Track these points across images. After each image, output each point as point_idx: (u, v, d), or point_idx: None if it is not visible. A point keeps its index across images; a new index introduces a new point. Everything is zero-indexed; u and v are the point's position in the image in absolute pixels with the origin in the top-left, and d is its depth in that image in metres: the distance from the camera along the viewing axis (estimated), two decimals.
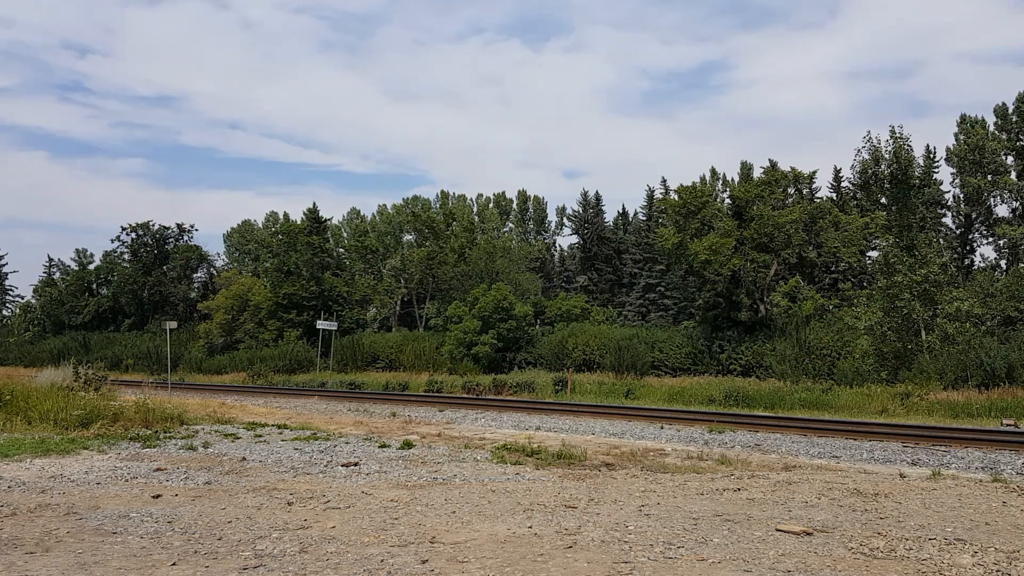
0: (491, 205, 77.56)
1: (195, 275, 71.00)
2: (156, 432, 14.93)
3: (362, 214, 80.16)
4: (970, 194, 49.00)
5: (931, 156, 50.78)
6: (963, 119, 50.64)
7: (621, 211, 69.86)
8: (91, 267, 75.57)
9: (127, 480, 9.93)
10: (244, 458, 12.13)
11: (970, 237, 50.94)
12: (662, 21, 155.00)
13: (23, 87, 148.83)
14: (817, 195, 51.15)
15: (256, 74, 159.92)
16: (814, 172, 46.82)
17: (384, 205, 74.94)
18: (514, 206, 78.13)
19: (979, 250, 51.90)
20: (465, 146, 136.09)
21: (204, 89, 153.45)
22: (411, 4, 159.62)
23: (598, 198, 66.92)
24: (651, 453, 13.98)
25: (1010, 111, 48.69)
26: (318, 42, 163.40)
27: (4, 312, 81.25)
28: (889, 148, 43.37)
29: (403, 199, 72.40)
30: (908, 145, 42.97)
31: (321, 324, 39.57)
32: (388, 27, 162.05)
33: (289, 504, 8.19)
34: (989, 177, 48.01)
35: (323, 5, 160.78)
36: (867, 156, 44.89)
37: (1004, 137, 48.74)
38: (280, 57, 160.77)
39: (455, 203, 74.18)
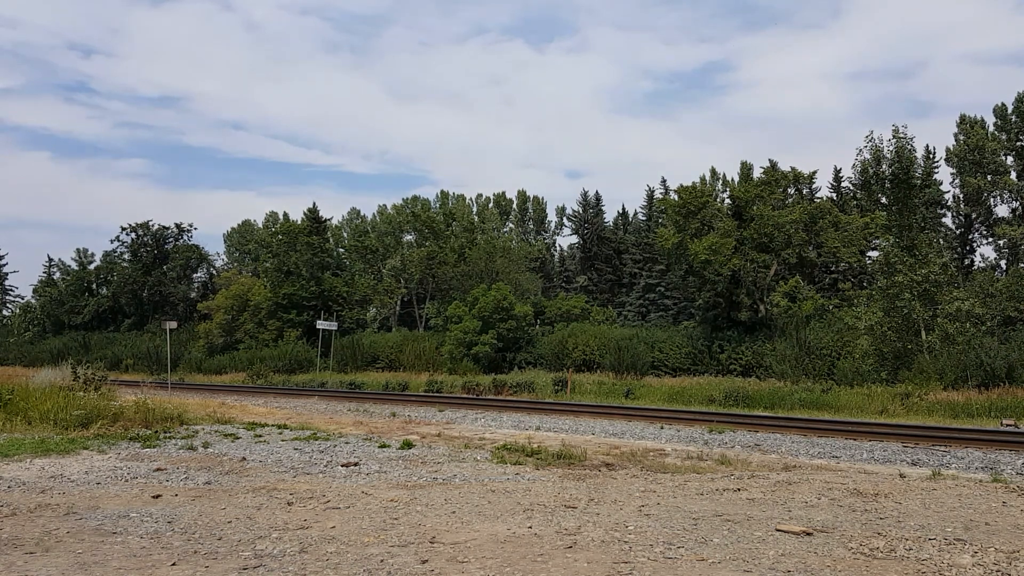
0: (491, 205, 77.51)
1: (195, 275, 70.99)
2: (156, 432, 14.92)
3: (362, 214, 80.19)
4: (970, 194, 48.99)
5: (931, 156, 50.80)
6: (963, 119, 50.63)
7: (621, 211, 69.92)
8: (91, 267, 75.53)
9: (127, 480, 9.93)
10: (244, 458, 12.13)
11: (970, 237, 50.92)
12: (665, 22, 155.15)
13: (27, 87, 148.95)
14: (817, 195, 51.16)
15: (260, 75, 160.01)
16: (814, 172, 46.84)
17: (384, 205, 74.96)
18: (514, 206, 78.10)
19: (979, 250, 51.93)
20: (468, 146, 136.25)
21: (208, 90, 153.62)
22: (416, 5, 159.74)
23: (598, 198, 66.99)
24: (651, 453, 13.97)
25: (1009, 111, 48.70)
26: (323, 43, 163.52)
27: (4, 312, 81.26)
28: (891, 148, 43.36)
29: (403, 199, 72.44)
30: (911, 145, 42.95)
31: (321, 324, 39.57)
32: (393, 28, 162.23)
33: (289, 504, 8.19)
34: (989, 177, 48.00)
35: (328, 6, 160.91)
36: (868, 156, 44.90)
37: (1004, 137, 48.75)
38: (284, 58, 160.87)
39: (455, 203, 74.14)
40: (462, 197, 76.52)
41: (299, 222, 59.71)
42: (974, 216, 50.20)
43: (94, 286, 73.49)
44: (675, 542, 6.42)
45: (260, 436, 15.09)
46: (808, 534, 6.77)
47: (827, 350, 31.70)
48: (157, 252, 68.90)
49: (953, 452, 14.48)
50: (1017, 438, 15.54)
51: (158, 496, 8.69)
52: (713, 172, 68.45)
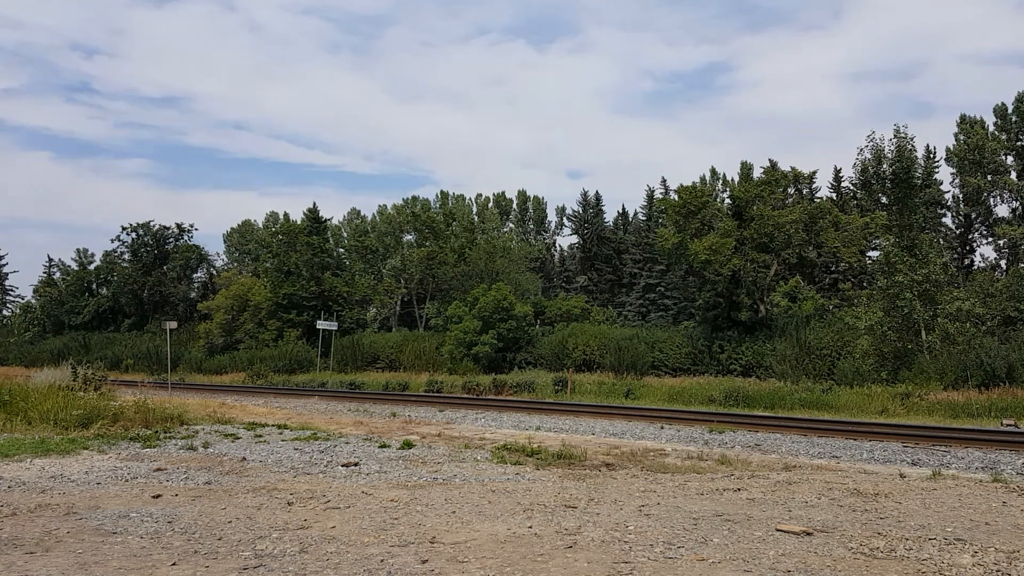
0: (491, 205, 77.49)
1: (195, 275, 71.00)
2: (156, 432, 14.91)
3: (362, 214, 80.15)
4: (970, 194, 49.00)
5: (931, 156, 50.80)
6: (963, 119, 50.62)
7: (621, 211, 69.88)
8: (91, 267, 75.54)
9: (127, 480, 9.92)
10: (244, 458, 12.13)
11: (970, 237, 50.94)
12: (667, 22, 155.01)
13: (29, 88, 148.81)
14: (817, 195, 51.14)
15: (262, 75, 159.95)
16: (814, 172, 46.82)
17: (384, 205, 74.93)
18: (514, 206, 78.08)
19: (979, 250, 51.96)
20: (468, 146, 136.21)
21: (210, 90, 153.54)
22: (418, 5, 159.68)
23: (598, 198, 67.00)
24: (651, 453, 13.97)
25: (1009, 111, 48.68)
26: (325, 43, 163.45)
27: (4, 312, 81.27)
28: (892, 147, 43.44)
29: (403, 199, 72.42)
30: (911, 144, 43.02)
31: (321, 324, 39.56)
32: (395, 28, 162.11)
33: (289, 504, 8.19)
34: (989, 177, 48.01)
35: (330, 7, 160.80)
36: (869, 155, 44.97)
37: (1004, 137, 48.74)
38: (286, 58, 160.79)
39: (455, 203, 74.12)
40: (462, 197, 76.54)
41: (299, 222, 59.69)
42: (974, 216, 50.21)
43: (94, 286, 73.48)
44: (675, 542, 6.42)
45: (260, 436, 15.09)
46: (808, 534, 6.77)
47: (827, 350, 31.69)
48: (157, 252, 68.90)
49: (953, 452, 14.48)
50: (1017, 438, 15.54)
51: (158, 496, 8.69)
52: (713, 172, 68.44)
